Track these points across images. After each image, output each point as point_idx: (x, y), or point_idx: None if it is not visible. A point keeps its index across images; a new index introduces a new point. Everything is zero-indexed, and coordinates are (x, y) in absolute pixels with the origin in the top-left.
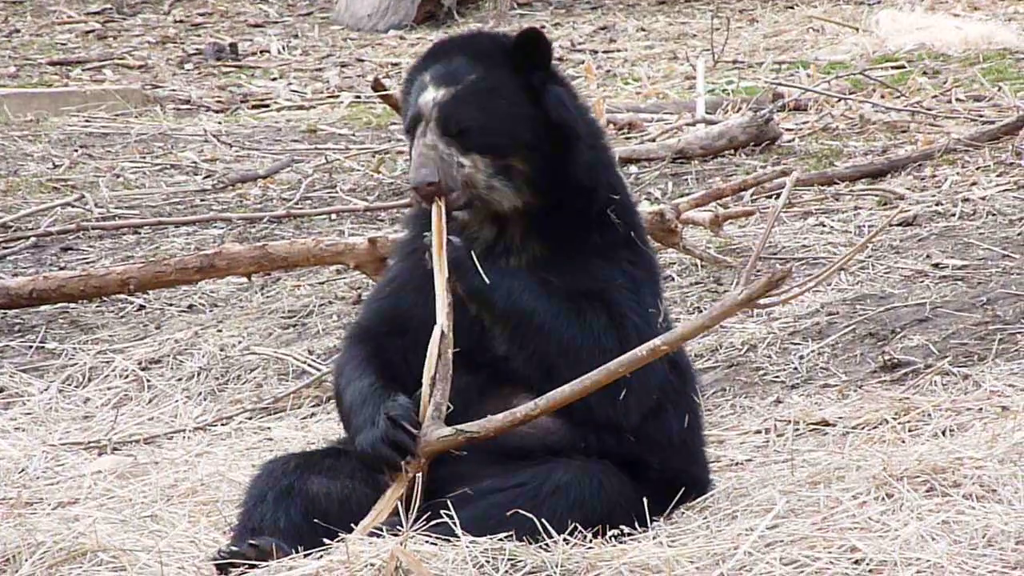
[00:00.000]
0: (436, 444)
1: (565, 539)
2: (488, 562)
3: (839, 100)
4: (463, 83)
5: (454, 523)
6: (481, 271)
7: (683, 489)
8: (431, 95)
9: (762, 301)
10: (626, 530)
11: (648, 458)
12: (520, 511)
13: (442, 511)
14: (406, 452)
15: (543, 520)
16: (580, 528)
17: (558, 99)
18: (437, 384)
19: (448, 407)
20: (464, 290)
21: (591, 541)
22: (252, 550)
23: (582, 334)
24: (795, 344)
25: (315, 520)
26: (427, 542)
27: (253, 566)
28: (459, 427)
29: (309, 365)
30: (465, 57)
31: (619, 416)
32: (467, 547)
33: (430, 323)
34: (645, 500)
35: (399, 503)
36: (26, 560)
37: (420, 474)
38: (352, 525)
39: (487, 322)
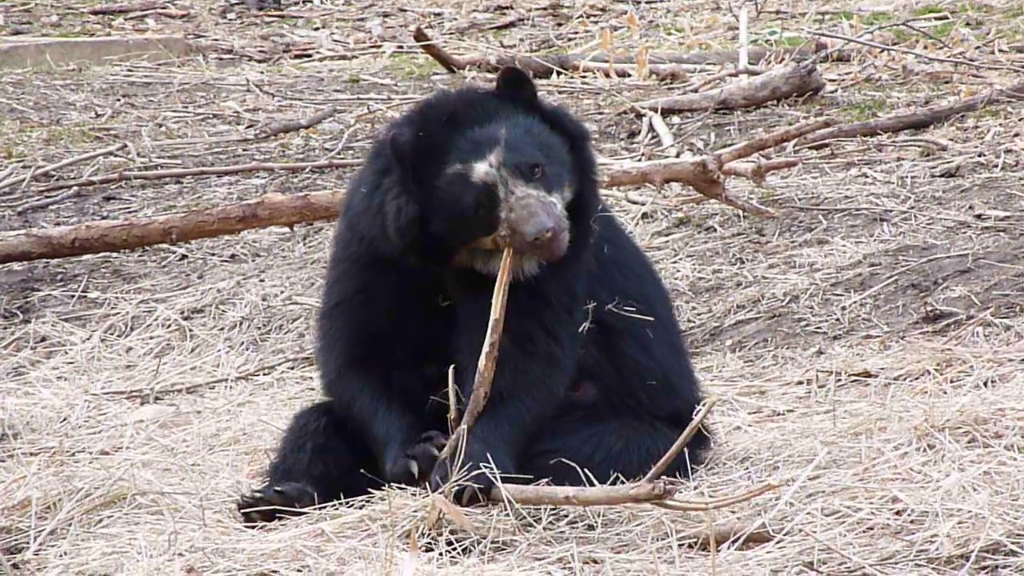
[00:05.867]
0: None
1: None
2: (530, 513)
3: (882, 51)
4: (509, 128)
5: (494, 476)
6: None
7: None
8: (490, 149)
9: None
10: None
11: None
12: (562, 459)
13: (484, 465)
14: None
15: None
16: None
17: (567, 115)
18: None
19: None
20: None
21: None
22: (278, 496)
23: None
24: (837, 295)
25: (351, 472)
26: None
27: (277, 512)
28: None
29: None
30: (481, 111)
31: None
32: (506, 497)
33: (414, 344)
34: (687, 452)
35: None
36: (64, 511)
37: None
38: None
39: None
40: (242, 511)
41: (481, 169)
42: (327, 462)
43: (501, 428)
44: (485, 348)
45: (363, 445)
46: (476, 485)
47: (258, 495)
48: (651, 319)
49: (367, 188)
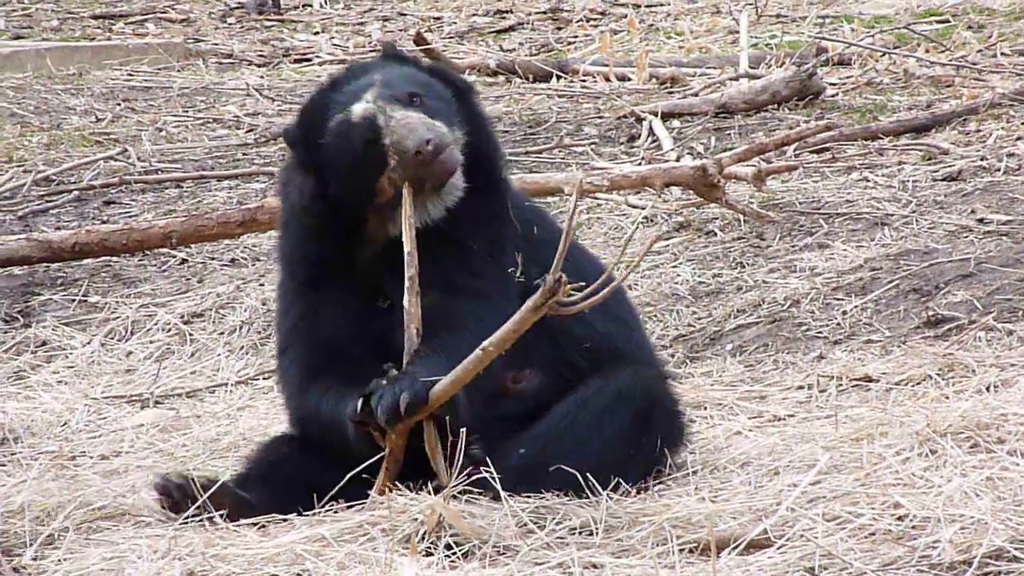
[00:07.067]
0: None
1: (608, 495)
2: (533, 521)
3: (883, 54)
4: (384, 73)
5: (493, 478)
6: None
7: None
8: (367, 90)
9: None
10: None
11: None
12: (561, 465)
13: (481, 467)
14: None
15: (577, 470)
16: (618, 462)
17: (450, 71)
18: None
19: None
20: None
21: (635, 495)
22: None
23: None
24: (838, 299)
25: (321, 480)
26: (468, 499)
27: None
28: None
29: None
30: (360, 71)
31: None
32: (509, 505)
33: (370, 349)
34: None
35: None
36: (64, 516)
37: (464, 431)
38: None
39: None
40: (156, 488)
41: (359, 108)
42: (287, 472)
43: (437, 356)
44: (406, 284)
45: (332, 456)
46: (408, 396)
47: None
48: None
49: (281, 214)
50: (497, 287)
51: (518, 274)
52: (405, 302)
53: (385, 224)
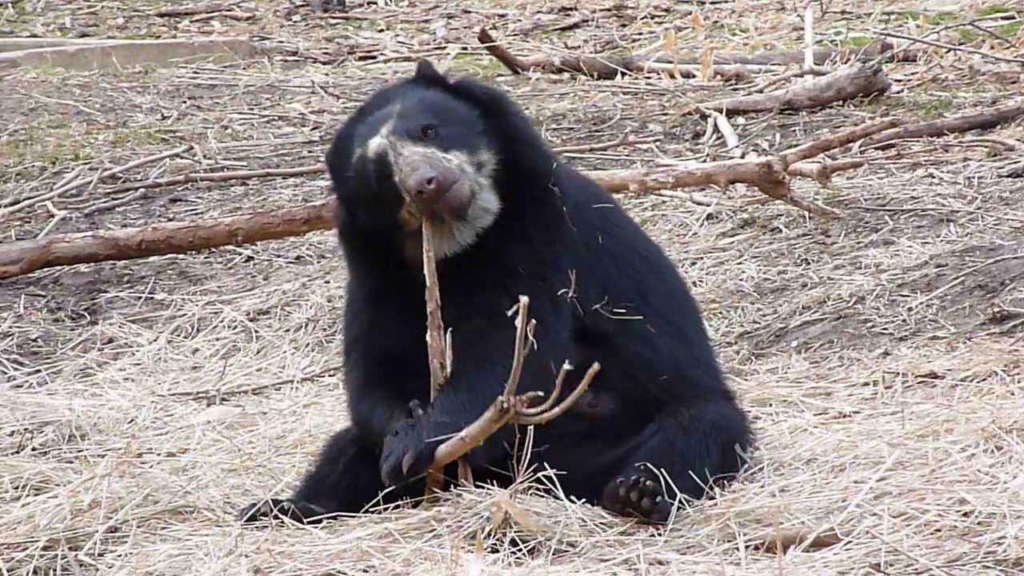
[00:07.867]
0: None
1: (684, 499)
2: (598, 518)
3: (948, 51)
4: (404, 102)
5: (553, 482)
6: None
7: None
8: (384, 123)
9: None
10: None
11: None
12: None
13: (546, 465)
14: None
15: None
16: (706, 484)
17: (474, 83)
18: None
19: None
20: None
21: (704, 493)
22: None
23: None
24: (903, 296)
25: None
26: (535, 494)
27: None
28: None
29: None
30: (386, 98)
31: None
32: (574, 509)
33: (420, 361)
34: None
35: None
36: (131, 512)
37: (531, 428)
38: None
39: None
40: (244, 520)
41: (374, 143)
42: (359, 476)
43: (461, 395)
44: (428, 318)
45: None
46: (411, 456)
47: (257, 512)
48: (641, 317)
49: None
50: (545, 310)
51: (571, 293)
52: (428, 336)
53: (422, 249)
